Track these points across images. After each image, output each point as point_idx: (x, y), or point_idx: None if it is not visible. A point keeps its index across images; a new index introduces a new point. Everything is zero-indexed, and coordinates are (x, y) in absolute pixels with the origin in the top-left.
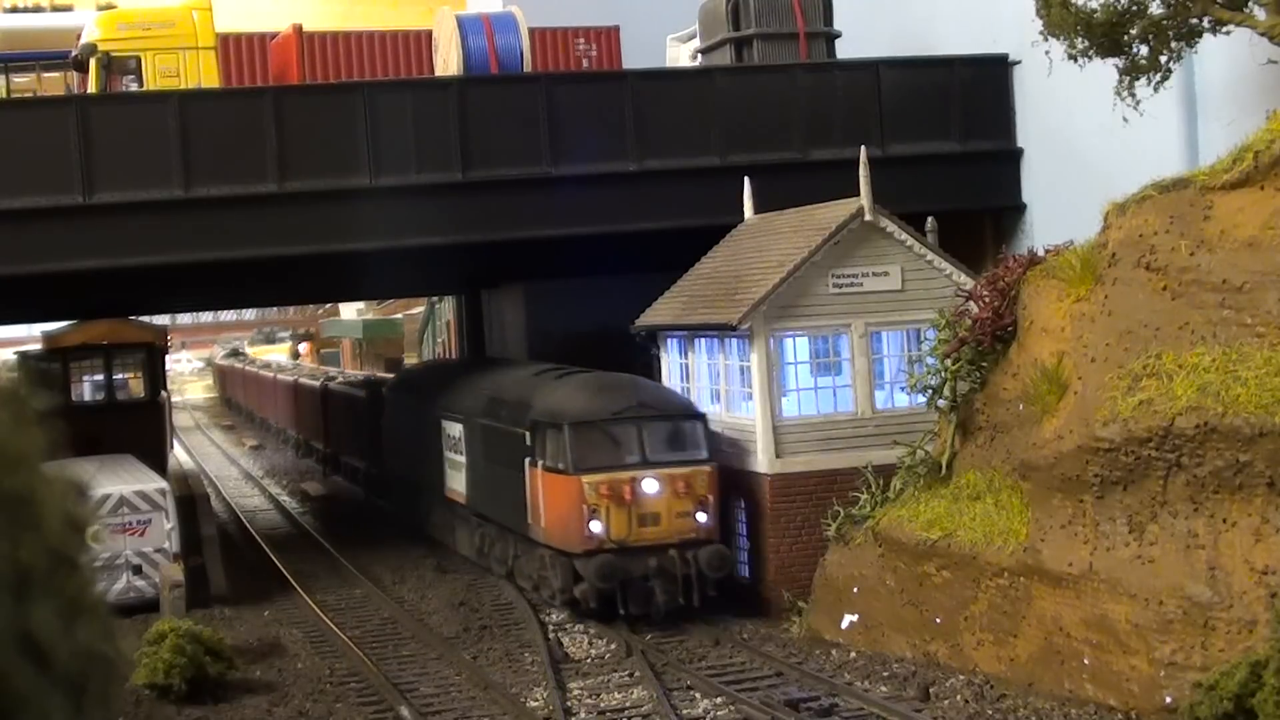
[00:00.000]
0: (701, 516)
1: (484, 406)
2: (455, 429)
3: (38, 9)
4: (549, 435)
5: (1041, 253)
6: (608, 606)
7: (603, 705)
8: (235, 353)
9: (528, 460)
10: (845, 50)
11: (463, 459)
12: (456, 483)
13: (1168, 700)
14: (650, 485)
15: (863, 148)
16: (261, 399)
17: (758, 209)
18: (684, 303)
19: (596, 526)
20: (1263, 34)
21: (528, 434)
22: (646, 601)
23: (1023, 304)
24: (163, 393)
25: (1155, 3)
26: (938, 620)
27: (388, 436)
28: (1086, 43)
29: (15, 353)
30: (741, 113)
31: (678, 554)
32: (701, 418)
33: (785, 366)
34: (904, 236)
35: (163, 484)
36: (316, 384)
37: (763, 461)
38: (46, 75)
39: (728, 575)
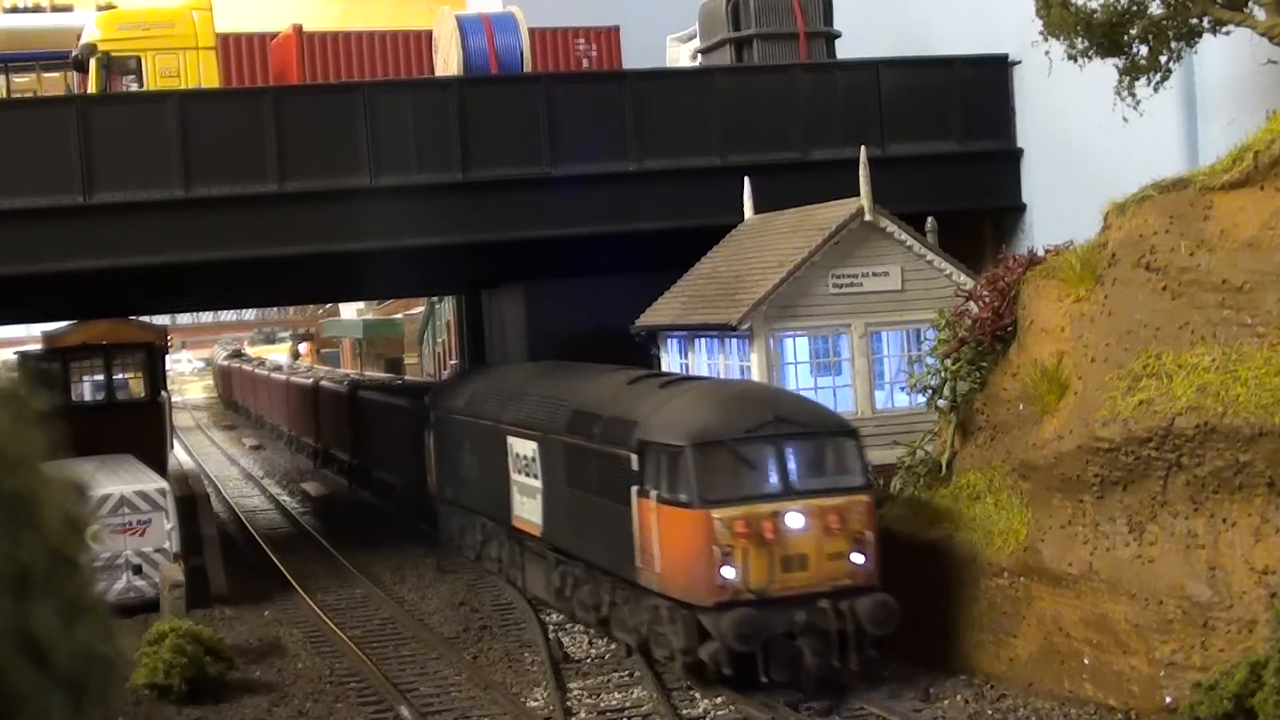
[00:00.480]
0: (858, 558)
1: (567, 421)
2: (527, 448)
3: (38, 9)
4: (665, 459)
5: (1041, 253)
6: (744, 670)
7: (603, 705)
8: (238, 353)
9: (635, 489)
10: (845, 50)
11: (537, 484)
12: (528, 511)
13: (1168, 700)
14: (796, 520)
15: (863, 148)
16: (271, 403)
17: (758, 209)
18: (684, 303)
19: (730, 573)
20: (1263, 34)
21: (634, 457)
22: (793, 666)
23: (1023, 304)
24: (163, 393)
25: (1155, 3)
26: (938, 620)
27: (435, 452)
28: (1086, 43)
29: (15, 353)
30: (741, 113)
31: (830, 606)
32: (854, 434)
33: (785, 366)
34: (904, 236)
35: (163, 484)
36: (341, 388)
37: None
38: (46, 75)
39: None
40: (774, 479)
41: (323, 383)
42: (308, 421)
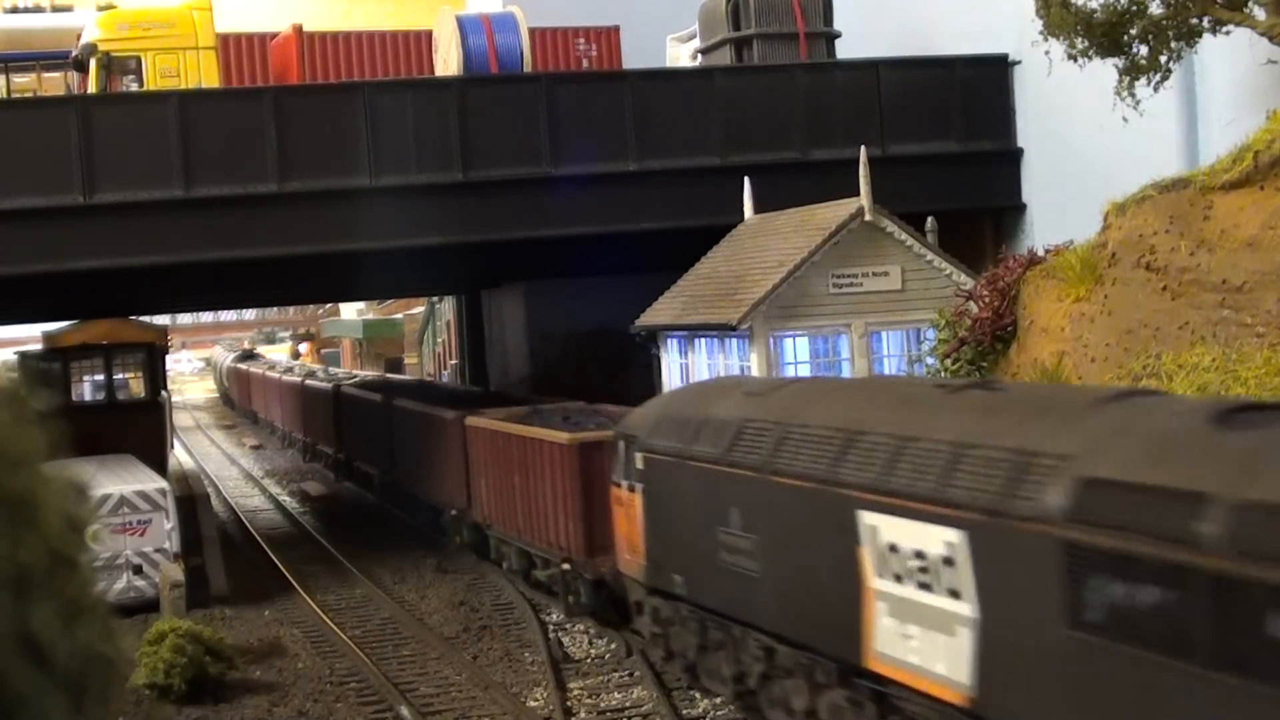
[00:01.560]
0: None
1: (1072, 499)
2: (929, 539)
3: (38, 9)
4: None
5: (1041, 253)
6: None
7: (603, 705)
8: (250, 354)
9: None
10: (845, 50)
11: (961, 610)
12: (924, 654)
13: None
14: None
15: (863, 148)
16: (306, 418)
17: (758, 209)
18: (684, 303)
19: None
20: (1263, 34)
21: None
22: None
23: (1023, 304)
24: (163, 393)
25: (1155, 3)
26: None
27: (644, 516)
28: (1086, 43)
29: (15, 353)
30: (741, 113)
31: None
32: None
33: (785, 367)
34: (904, 236)
35: (163, 484)
36: (447, 415)
37: None
38: (46, 75)
39: None
40: None
41: (398, 401)
42: (377, 447)
